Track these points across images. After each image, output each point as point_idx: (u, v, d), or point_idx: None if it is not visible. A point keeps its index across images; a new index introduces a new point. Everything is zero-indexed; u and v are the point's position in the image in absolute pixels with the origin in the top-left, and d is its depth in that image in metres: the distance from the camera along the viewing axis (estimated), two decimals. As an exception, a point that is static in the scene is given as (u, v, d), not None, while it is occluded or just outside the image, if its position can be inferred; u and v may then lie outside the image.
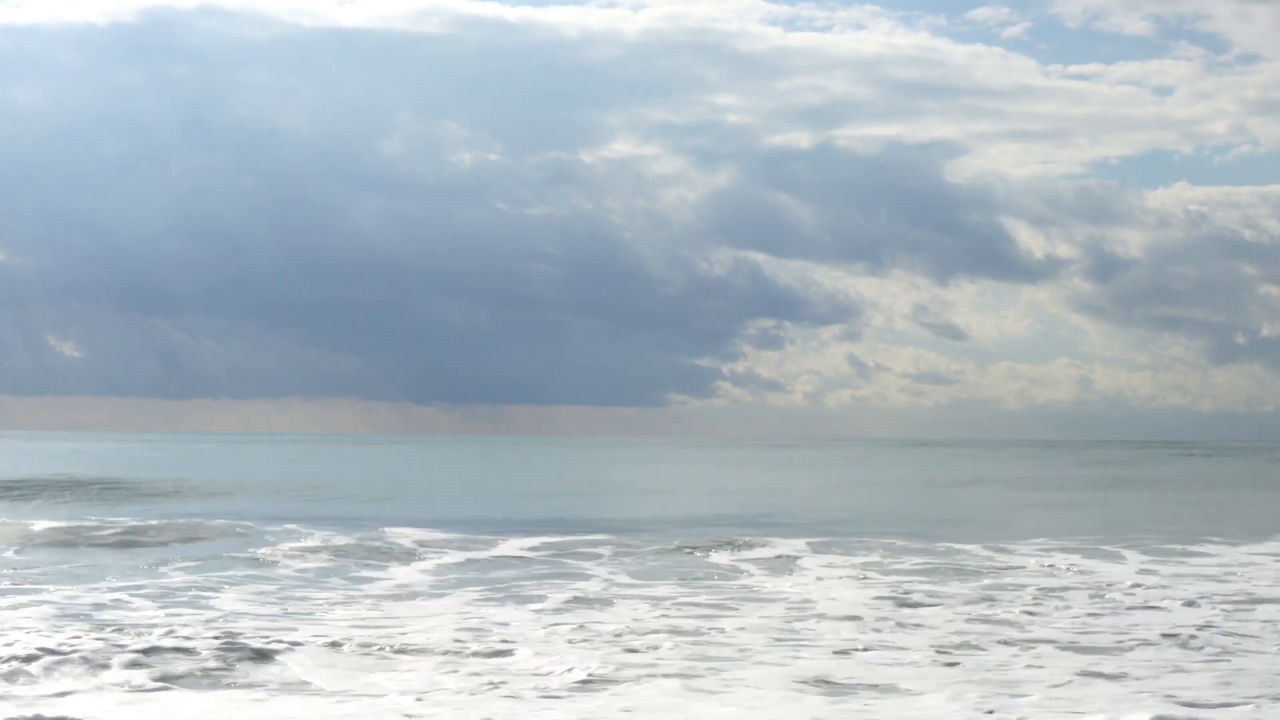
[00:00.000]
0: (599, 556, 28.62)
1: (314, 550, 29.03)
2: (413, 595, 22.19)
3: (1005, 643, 17.50)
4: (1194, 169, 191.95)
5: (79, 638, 16.64)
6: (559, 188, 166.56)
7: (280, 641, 16.74)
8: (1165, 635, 18.05)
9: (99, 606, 20.19)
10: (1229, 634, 18.22)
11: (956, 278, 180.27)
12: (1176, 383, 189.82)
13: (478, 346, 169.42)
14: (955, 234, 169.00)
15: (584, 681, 14.82)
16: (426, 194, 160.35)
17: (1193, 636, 17.93)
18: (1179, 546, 31.33)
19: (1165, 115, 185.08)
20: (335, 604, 20.89)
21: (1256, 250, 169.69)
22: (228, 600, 21.22)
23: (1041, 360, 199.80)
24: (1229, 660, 16.35)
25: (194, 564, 26.46)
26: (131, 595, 21.57)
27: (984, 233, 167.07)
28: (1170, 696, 14.18)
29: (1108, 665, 15.98)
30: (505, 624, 18.70)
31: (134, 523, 36.02)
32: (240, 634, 17.19)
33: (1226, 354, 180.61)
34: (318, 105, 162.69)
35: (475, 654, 16.31)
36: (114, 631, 17.23)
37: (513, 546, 30.40)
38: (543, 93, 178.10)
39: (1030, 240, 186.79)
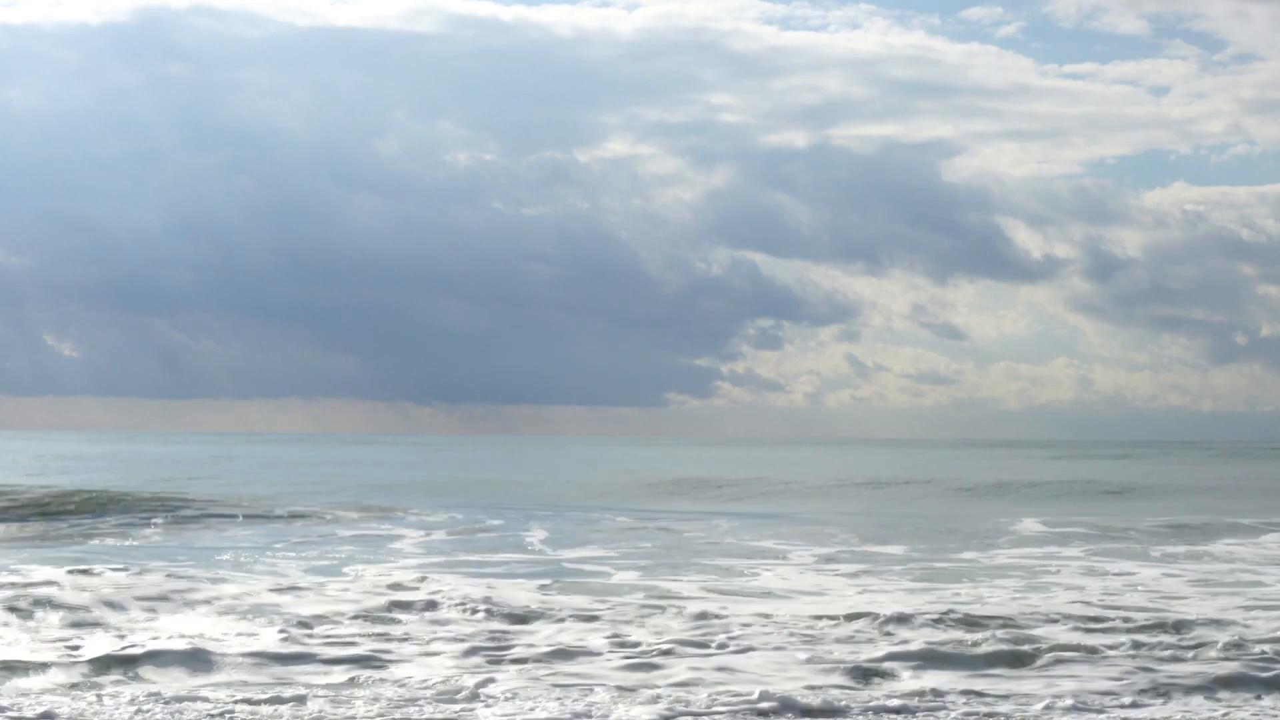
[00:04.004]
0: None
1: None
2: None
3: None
4: (1191, 169, 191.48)
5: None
6: (555, 187, 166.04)
7: None
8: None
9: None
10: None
11: (955, 277, 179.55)
12: (1176, 383, 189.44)
13: (477, 346, 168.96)
14: (953, 234, 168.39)
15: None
16: (423, 194, 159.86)
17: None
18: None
19: (1162, 115, 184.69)
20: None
21: (1255, 250, 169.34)
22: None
23: (1041, 360, 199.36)
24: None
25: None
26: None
27: (982, 232, 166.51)
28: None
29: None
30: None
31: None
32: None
33: (1226, 354, 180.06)
34: (313, 105, 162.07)
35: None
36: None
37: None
38: (538, 92, 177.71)
39: (1028, 240, 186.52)
